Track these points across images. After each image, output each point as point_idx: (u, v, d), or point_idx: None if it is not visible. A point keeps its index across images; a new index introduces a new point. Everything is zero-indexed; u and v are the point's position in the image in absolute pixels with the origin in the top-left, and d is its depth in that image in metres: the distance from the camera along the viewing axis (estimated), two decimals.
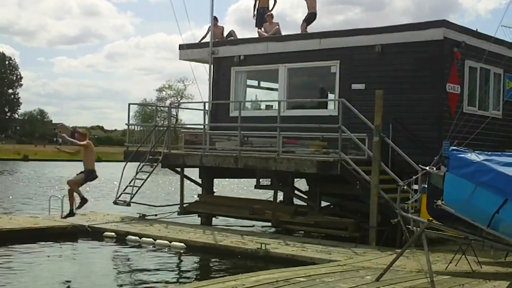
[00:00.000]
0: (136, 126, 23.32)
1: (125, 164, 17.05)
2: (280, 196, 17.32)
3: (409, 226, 9.22)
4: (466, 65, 15.18)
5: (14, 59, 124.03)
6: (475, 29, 15.64)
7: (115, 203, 17.18)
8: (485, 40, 15.24)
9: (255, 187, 17.04)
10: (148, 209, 17.84)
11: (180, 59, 19.34)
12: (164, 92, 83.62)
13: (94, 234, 14.49)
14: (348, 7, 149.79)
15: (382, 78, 15.06)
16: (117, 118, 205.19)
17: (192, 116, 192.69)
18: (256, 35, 18.50)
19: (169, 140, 17.51)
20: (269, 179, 16.81)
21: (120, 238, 14.15)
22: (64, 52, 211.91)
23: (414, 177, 10.13)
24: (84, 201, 14.57)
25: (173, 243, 13.33)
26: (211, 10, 18.50)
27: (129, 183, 16.86)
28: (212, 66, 18.21)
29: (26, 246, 13.14)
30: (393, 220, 9.53)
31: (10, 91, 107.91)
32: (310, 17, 18.07)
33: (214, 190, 18.22)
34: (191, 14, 19.92)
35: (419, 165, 10.17)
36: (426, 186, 9.16)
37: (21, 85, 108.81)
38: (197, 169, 17.82)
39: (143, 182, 16.85)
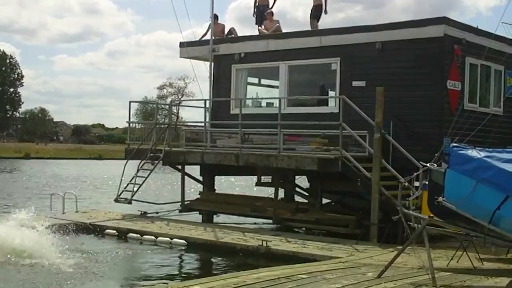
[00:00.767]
0: (137, 124, 23.35)
1: (126, 162, 17.07)
2: (281, 194, 17.33)
3: (410, 223, 9.21)
4: (467, 62, 15.16)
5: (15, 57, 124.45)
6: (475, 26, 15.64)
7: (116, 200, 17.23)
8: (485, 37, 15.22)
9: (256, 184, 17.06)
10: (150, 207, 17.88)
11: (180, 57, 19.33)
12: (164, 90, 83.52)
13: (96, 231, 14.51)
14: (349, 5, 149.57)
15: (382, 75, 15.06)
16: (118, 116, 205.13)
17: (193, 114, 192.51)
18: (257, 33, 18.51)
19: (170, 137, 17.49)
20: (270, 177, 16.84)
21: (122, 236, 14.18)
22: (64, 50, 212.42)
23: (415, 174, 10.16)
24: None
25: (174, 240, 13.36)
26: (212, 8, 18.49)
27: (130, 181, 16.89)
28: (212, 63, 18.20)
29: None
30: (394, 217, 9.53)
31: (11, 89, 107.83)
32: (317, 12, 17.77)
33: (215, 188, 18.25)
34: (191, 12, 19.91)
35: (420, 162, 10.17)
36: (427, 183, 9.18)
37: (22, 83, 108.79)
38: (198, 167, 17.85)
39: (144, 180, 16.88)
